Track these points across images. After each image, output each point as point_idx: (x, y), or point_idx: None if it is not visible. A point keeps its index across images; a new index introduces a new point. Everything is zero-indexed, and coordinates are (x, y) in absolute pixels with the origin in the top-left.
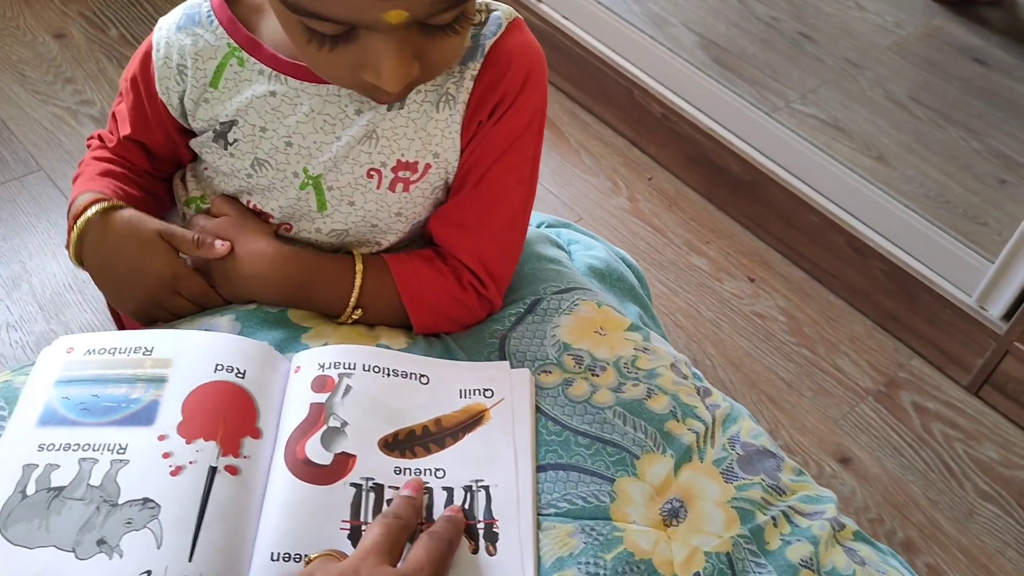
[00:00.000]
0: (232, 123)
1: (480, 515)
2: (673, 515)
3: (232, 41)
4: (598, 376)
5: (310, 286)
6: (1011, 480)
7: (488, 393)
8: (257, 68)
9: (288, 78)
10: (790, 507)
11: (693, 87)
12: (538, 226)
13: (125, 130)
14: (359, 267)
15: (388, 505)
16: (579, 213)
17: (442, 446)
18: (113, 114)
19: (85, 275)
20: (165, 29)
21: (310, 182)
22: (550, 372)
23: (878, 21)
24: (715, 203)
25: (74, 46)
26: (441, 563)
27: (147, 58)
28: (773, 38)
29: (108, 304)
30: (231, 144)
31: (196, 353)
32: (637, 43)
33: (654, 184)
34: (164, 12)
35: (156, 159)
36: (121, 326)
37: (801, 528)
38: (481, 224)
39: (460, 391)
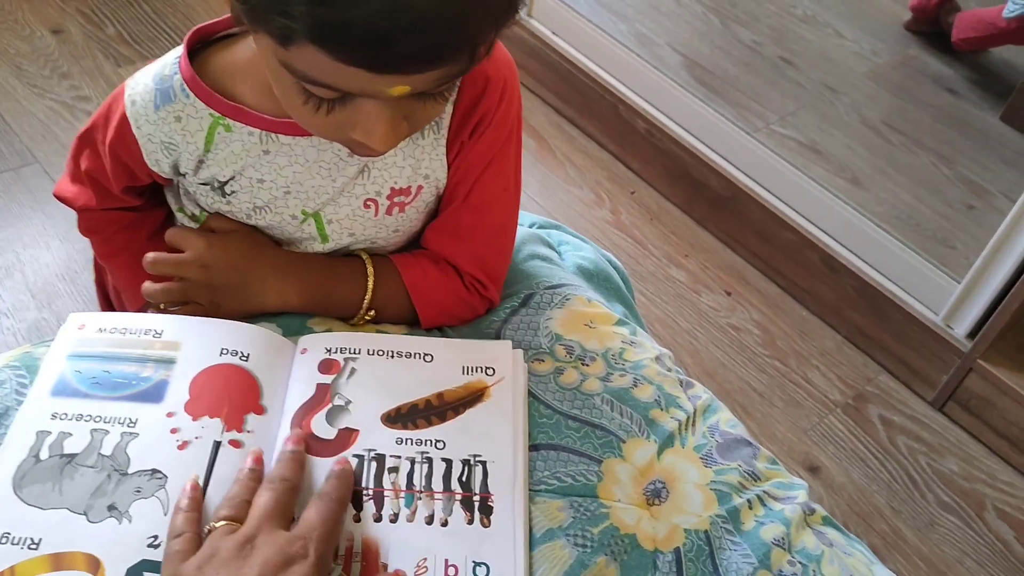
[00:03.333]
0: (231, 178)
1: (477, 488)
2: (656, 495)
3: (214, 111)
4: (587, 366)
5: (328, 288)
6: (971, 492)
7: (490, 371)
8: (246, 131)
9: (279, 135)
10: (764, 491)
11: (677, 105)
12: (530, 226)
13: (114, 188)
14: (370, 270)
15: (388, 473)
16: (562, 223)
17: (443, 419)
18: (88, 174)
19: (78, 266)
20: (140, 106)
21: (309, 216)
22: (543, 360)
23: (855, 49)
24: (695, 218)
25: (71, 42)
26: (333, 521)
27: (124, 129)
28: (755, 61)
29: (102, 292)
30: (229, 194)
31: (203, 338)
32: (624, 61)
33: (636, 198)
34: (161, 13)
35: (147, 189)
36: (109, 310)
37: (774, 511)
38: (475, 231)
39: (463, 368)
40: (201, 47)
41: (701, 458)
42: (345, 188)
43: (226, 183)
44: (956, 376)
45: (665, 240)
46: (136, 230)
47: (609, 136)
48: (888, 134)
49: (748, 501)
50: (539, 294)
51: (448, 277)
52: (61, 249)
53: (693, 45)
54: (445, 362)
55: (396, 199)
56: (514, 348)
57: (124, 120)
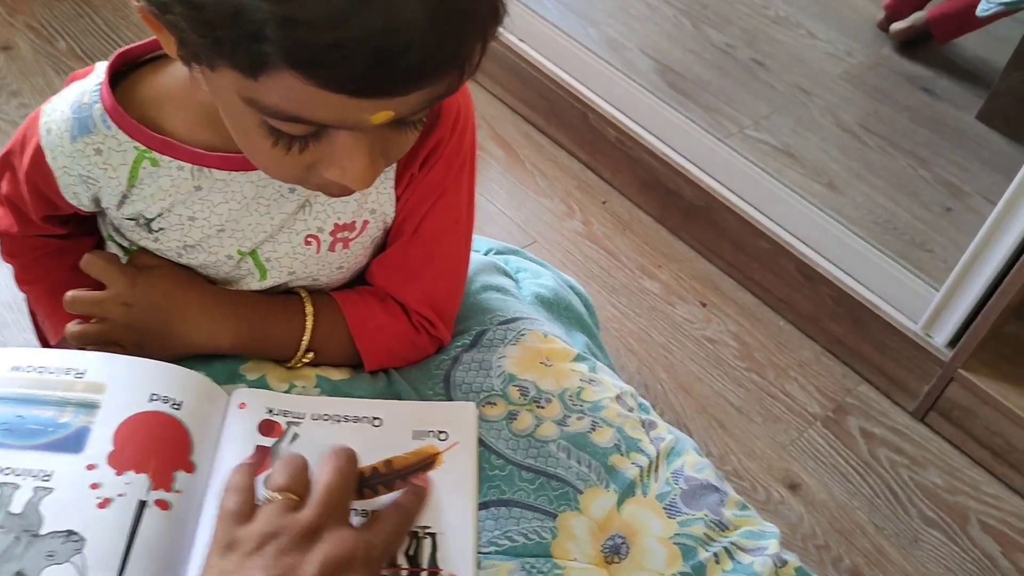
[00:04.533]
0: (159, 215)
1: (424, 563)
2: (615, 552)
3: (139, 144)
4: (543, 408)
5: (262, 329)
6: (955, 506)
7: (442, 436)
8: (175, 165)
9: (213, 170)
10: (732, 543)
11: (648, 112)
12: (486, 253)
13: (33, 216)
14: (309, 308)
15: None
16: (533, 236)
17: (391, 488)
18: (8, 199)
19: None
20: (56, 135)
21: (246, 255)
22: (495, 404)
23: (829, 49)
24: (668, 227)
25: (21, 58)
26: (399, 534)
27: (39, 159)
28: (727, 64)
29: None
30: (156, 231)
31: (131, 380)
32: (593, 67)
33: (608, 208)
34: (113, 26)
35: (72, 218)
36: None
37: (743, 565)
38: (424, 267)
39: (414, 432)
40: (126, 71)
41: (664, 508)
42: (284, 224)
43: (153, 220)
44: (937, 386)
45: (638, 251)
46: (60, 258)
47: (579, 144)
48: (864, 136)
49: (715, 555)
50: (492, 330)
51: (395, 317)
52: (7, 276)
53: (664, 49)
54: (395, 426)
55: (340, 235)
56: (465, 390)
57: (39, 150)
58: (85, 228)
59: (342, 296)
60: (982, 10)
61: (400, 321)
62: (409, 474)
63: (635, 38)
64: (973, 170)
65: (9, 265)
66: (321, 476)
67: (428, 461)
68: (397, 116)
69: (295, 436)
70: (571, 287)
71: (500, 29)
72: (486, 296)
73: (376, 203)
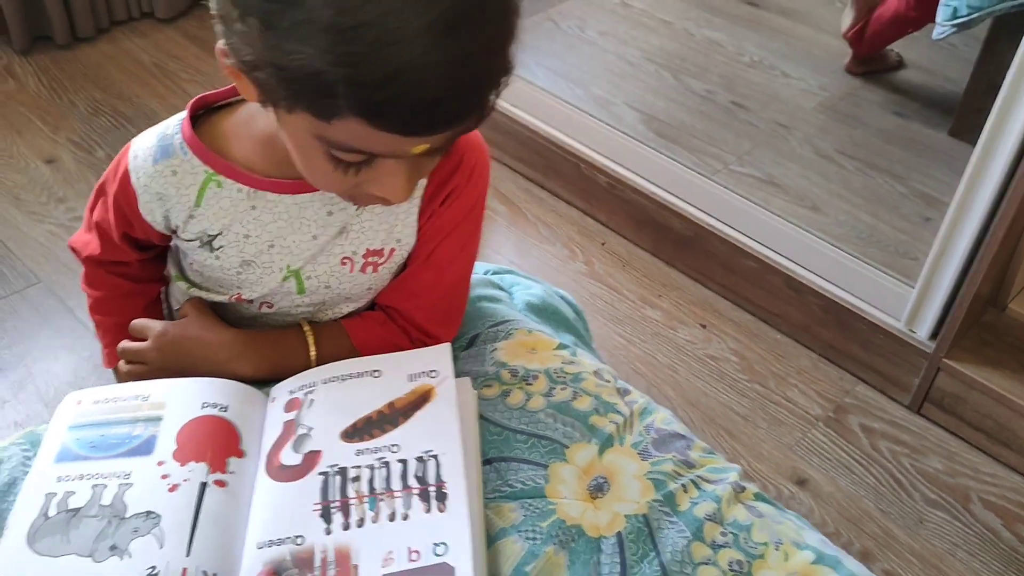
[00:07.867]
0: (218, 233)
1: (432, 480)
2: (598, 489)
3: (208, 168)
4: (531, 384)
5: (278, 360)
6: (956, 487)
7: (433, 374)
8: (235, 187)
9: (266, 193)
10: (699, 476)
11: (635, 158)
12: (484, 273)
13: (114, 234)
14: (310, 339)
15: (352, 483)
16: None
17: (395, 425)
18: (97, 224)
19: (85, 372)
20: (141, 159)
21: (291, 275)
22: (491, 386)
23: (803, 86)
24: (663, 259)
25: (65, 169)
26: None
27: (125, 180)
28: (709, 109)
29: None
30: (217, 249)
31: (185, 396)
32: (582, 123)
33: (607, 248)
34: None
35: (145, 246)
36: None
37: (707, 491)
38: (434, 287)
39: (409, 375)
40: (202, 113)
41: (638, 453)
42: (325, 247)
43: (214, 238)
44: (926, 377)
45: (638, 283)
46: (128, 301)
47: (575, 193)
48: (842, 161)
49: (683, 486)
50: (484, 333)
51: (394, 336)
52: (69, 359)
53: (648, 101)
54: (392, 374)
55: (371, 259)
56: (461, 378)
57: (126, 172)
58: (153, 272)
59: (348, 322)
60: (938, 34)
61: (399, 339)
62: (410, 410)
63: (620, 94)
64: (949, 181)
65: (84, 294)
66: None
67: (424, 397)
68: (432, 147)
69: (312, 401)
70: (562, 297)
71: (504, 89)
72: (479, 305)
73: (401, 233)
